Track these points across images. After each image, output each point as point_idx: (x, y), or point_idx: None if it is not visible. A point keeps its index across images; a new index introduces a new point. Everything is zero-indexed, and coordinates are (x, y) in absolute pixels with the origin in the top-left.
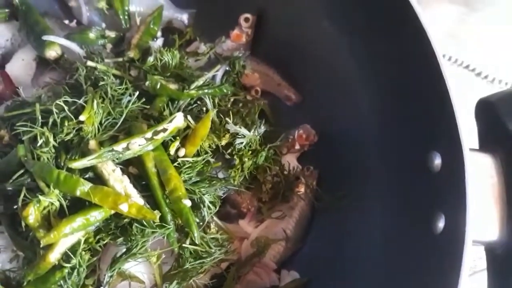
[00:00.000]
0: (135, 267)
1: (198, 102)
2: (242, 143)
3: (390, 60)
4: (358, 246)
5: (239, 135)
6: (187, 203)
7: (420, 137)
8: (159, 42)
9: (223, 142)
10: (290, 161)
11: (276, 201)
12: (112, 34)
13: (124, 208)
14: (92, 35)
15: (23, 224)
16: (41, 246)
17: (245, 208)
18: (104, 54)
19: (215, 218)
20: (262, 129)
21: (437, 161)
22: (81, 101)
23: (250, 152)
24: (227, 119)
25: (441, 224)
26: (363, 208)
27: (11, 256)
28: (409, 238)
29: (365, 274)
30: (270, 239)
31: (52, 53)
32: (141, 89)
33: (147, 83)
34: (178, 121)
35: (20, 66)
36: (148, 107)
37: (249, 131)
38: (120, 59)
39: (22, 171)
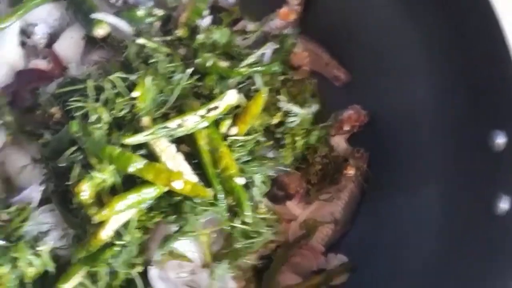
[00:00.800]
0: (184, 246)
1: (248, 80)
2: (294, 121)
3: (454, 44)
4: (409, 229)
5: (291, 113)
6: (240, 181)
7: (483, 116)
8: (207, 20)
9: (275, 121)
10: (339, 142)
11: (324, 183)
12: (159, 12)
13: (177, 185)
14: (140, 13)
15: (74, 201)
16: (92, 223)
17: (293, 189)
18: (152, 32)
19: (263, 199)
20: (314, 107)
21: (500, 140)
22: (133, 78)
23: (302, 131)
24: (279, 96)
25: (504, 205)
26: (416, 191)
27: (61, 234)
28: (467, 221)
29: (417, 258)
30: (318, 222)
31: (100, 31)
32: (190, 68)
33: (197, 60)
34: (230, 98)
35: (68, 45)
36: (199, 84)
37: (302, 109)
38: (168, 38)
39: (74, 148)
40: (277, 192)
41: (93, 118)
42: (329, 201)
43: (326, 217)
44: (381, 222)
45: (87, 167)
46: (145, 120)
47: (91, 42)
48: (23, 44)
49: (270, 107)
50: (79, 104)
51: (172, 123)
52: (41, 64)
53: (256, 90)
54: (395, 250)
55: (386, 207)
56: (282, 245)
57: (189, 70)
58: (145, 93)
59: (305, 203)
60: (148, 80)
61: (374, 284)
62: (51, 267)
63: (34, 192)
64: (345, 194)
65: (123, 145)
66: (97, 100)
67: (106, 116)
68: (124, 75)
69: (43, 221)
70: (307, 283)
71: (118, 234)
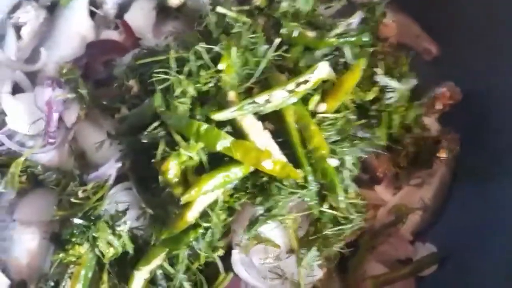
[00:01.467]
0: (270, 230)
1: (335, 52)
2: (391, 98)
3: None
4: (505, 220)
5: (389, 88)
6: (333, 162)
7: None
8: None
9: (370, 97)
10: (430, 122)
11: (415, 167)
12: None
13: (267, 165)
14: None
15: (160, 180)
16: (180, 203)
17: (381, 173)
18: (229, 1)
19: (351, 183)
20: (413, 82)
21: None
22: (217, 48)
23: (400, 108)
24: (376, 69)
25: None
26: None
27: (138, 214)
28: None
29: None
30: (410, 208)
31: (175, 0)
32: (271, 40)
33: (283, 30)
34: (322, 71)
35: (140, 15)
36: (286, 55)
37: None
38: (247, 7)
39: (156, 123)
40: (361, 174)
41: (177, 91)
42: (419, 186)
43: (415, 203)
44: (474, 209)
45: (170, 145)
46: (231, 95)
47: (164, 13)
48: (92, 15)
49: (363, 82)
50: (162, 76)
51: (260, 98)
52: (113, 35)
53: (345, 64)
54: (489, 240)
55: (480, 194)
56: (367, 232)
57: (277, 40)
58: (230, 65)
59: (393, 187)
60: (234, 51)
61: (464, 277)
62: (130, 248)
63: (110, 169)
64: (436, 179)
65: (208, 121)
66: (179, 72)
67: (191, 90)
68: (208, 46)
69: (120, 200)
70: (395, 274)
71: (203, 216)
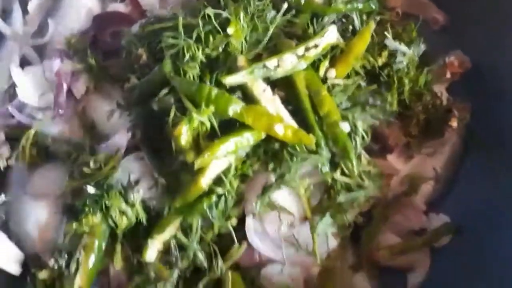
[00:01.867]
0: (283, 199)
1: (343, 20)
2: (402, 62)
3: None
4: None
5: (399, 53)
6: (345, 127)
7: None
8: None
9: (380, 62)
10: (440, 91)
11: (426, 136)
12: None
13: (279, 130)
14: None
15: (174, 146)
16: (194, 169)
17: (392, 142)
18: None
19: (363, 151)
20: (422, 48)
21: None
22: (226, 13)
23: (410, 74)
24: (386, 33)
25: None
26: None
27: (150, 184)
28: None
29: None
30: (423, 177)
31: None
32: (279, 7)
33: None
34: (331, 36)
35: None
36: (295, 21)
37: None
38: None
39: (166, 89)
40: (373, 144)
41: (187, 56)
42: (431, 156)
43: (428, 173)
44: (487, 179)
45: (181, 110)
46: (241, 60)
47: None
48: None
49: (373, 48)
50: (171, 41)
51: (270, 63)
52: (119, 7)
53: (353, 31)
54: (501, 211)
55: (493, 163)
56: (381, 202)
57: (285, 6)
58: (239, 30)
59: (405, 157)
60: (241, 16)
61: (478, 247)
62: (144, 218)
63: (121, 139)
64: (448, 148)
65: (219, 87)
66: (189, 38)
67: (200, 54)
68: (217, 10)
69: (131, 170)
70: (409, 244)
71: (215, 183)
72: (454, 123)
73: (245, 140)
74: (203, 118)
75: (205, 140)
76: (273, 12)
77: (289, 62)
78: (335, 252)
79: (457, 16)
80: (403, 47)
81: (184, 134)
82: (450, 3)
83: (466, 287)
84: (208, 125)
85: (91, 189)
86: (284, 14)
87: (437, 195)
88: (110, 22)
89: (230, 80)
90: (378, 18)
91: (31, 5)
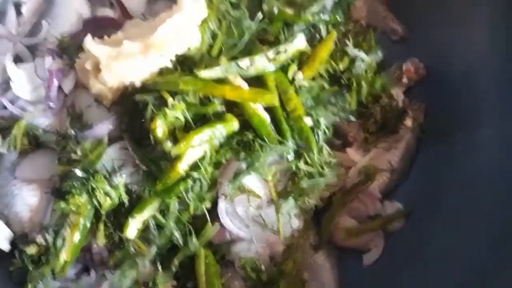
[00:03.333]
0: (253, 182)
1: (311, 29)
2: (360, 67)
3: None
4: (465, 175)
5: (358, 59)
6: (308, 122)
7: None
8: None
9: (341, 66)
10: (397, 94)
11: (382, 133)
12: None
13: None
14: None
15: (151, 138)
16: (171, 156)
17: (352, 137)
18: None
19: (325, 145)
20: (379, 55)
21: None
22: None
23: (367, 77)
24: (347, 41)
25: None
26: (474, 141)
27: (132, 171)
28: None
29: (472, 210)
30: (377, 168)
31: None
32: (254, 16)
33: (263, 6)
34: (300, 42)
35: None
36: (268, 29)
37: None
38: None
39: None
40: (333, 139)
41: None
42: (387, 150)
43: (383, 165)
44: (437, 171)
45: (160, 106)
46: (223, 60)
47: None
48: None
49: (336, 54)
50: None
51: (243, 62)
52: (108, 12)
53: (320, 39)
54: (449, 199)
55: (442, 157)
56: (340, 190)
57: (260, 15)
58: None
59: (363, 150)
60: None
61: (426, 231)
62: (126, 199)
63: (103, 128)
64: (402, 144)
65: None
66: None
67: None
68: None
69: (116, 157)
70: (365, 227)
71: (192, 169)
72: (408, 122)
73: (218, 131)
74: (177, 113)
75: (182, 132)
76: (248, 20)
77: (260, 63)
78: (298, 232)
79: (413, 27)
80: (362, 54)
81: (159, 127)
82: (408, 16)
83: (414, 267)
84: (182, 119)
85: (78, 172)
86: (258, 23)
87: (392, 185)
88: (99, 26)
89: (205, 73)
90: (343, 29)
91: (25, 7)
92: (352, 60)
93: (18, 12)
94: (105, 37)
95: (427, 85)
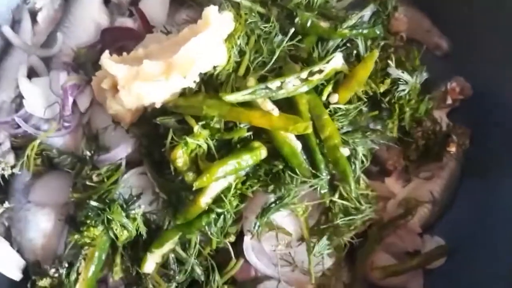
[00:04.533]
0: (282, 218)
1: (347, 44)
2: (404, 90)
3: None
4: None
5: (401, 81)
6: (345, 152)
7: None
8: None
9: (382, 89)
10: (441, 117)
11: (424, 160)
12: None
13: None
14: None
15: (171, 167)
16: (193, 189)
17: (391, 165)
18: None
19: (362, 175)
20: (424, 76)
21: None
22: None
23: (411, 101)
24: (389, 61)
25: None
26: None
27: (151, 199)
28: None
29: None
30: (419, 201)
31: None
32: (285, 30)
33: (296, 20)
34: (337, 62)
35: (154, 3)
36: (300, 45)
37: (411, 77)
38: None
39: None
40: (371, 167)
41: None
42: (429, 180)
43: (424, 197)
44: (482, 204)
45: (182, 132)
46: (251, 80)
47: (178, 1)
48: (107, 2)
49: (375, 74)
50: None
51: (273, 84)
52: (127, 22)
53: (357, 55)
54: (494, 235)
55: (488, 189)
56: (376, 223)
57: (292, 30)
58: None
59: (403, 180)
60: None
61: (471, 270)
62: (144, 231)
63: (121, 152)
64: (446, 173)
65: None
66: None
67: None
68: None
69: (134, 184)
70: (403, 266)
71: (215, 202)
72: (452, 148)
73: (244, 162)
74: (199, 141)
75: (205, 161)
76: (280, 36)
77: (291, 85)
78: (330, 271)
79: (460, 43)
80: (405, 76)
81: (180, 158)
82: (453, 30)
83: None
84: (205, 147)
85: (93, 203)
86: (290, 38)
87: (434, 218)
88: (118, 37)
89: (230, 98)
90: (382, 43)
91: (40, 15)
92: (394, 82)
93: (34, 21)
94: (124, 54)
95: (474, 108)
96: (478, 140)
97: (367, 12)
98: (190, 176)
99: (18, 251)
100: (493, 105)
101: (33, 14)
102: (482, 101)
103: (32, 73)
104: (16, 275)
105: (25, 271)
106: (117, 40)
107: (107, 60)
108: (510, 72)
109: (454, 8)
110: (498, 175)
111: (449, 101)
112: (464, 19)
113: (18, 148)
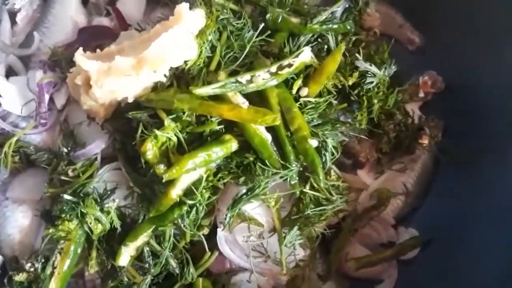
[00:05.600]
0: (253, 210)
1: (319, 39)
2: (372, 82)
3: None
4: (492, 207)
5: (369, 73)
6: (313, 143)
7: None
8: None
9: (350, 82)
10: (413, 110)
11: (397, 153)
12: None
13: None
14: None
15: (142, 161)
16: (163, 181)
17: (363, 157)
18: None
19: (333, 166)
20: (393, 69)
21: None
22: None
23: (379, 94)
24: (357, 55)
25: None
26: (502, 164)
27: (126, 193)
28: None
29: (499, 241)
30: (391, 192)
31: None
32: (257, 26)
33: (267, 16)
34: (305, 56)
35: (131, 2)
36: (271, 40)
37: (379, 70)
38: None
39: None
40: (344, 159)
41: None
42: (401, 172)
43: (397, 188)
44: (457, 195)
45: (152, 126)
46: (222, 74)
47: (154, 0)
48: (85, 2)
49: (346, 67)
50: None
51: (242, 78)
52: (104, 21)
53: (328, 50)
54: (471, 226)
55: (463, 180)
56: (350, 215)
57: (261, 26)
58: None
59: (375, 172)
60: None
61: (444, 261)
62: (118, 225)
63: (96, 148)
64: (418, 165)
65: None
66: None
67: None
68: None
69: (108, 179)
70: (377, 256)
71: (187, 194)
72: (425, 141)
73: (214, 154)
74: (169, 134)
75: (176, 153)
76: (251, 31)
77: (261, 79)
78: (304, 262)
79: (432, 37)
80: (373, 68)
81: (150, 150)
82: (425, 25)
83: None
84: (175, 140)
85: (67, 197)
86: (261, 34)
87: (407, 210)
88: (95, 36)
89: (200, 91)
90: (353, 38)
91: (19, 16)
92: (363, 75)
93: (13, 21)
94: (98, 50)
95: (446, 101)
96: (452, 133)
97: (338, 8)
98: (161, 169)
99: None
100: (466, 98)
101: (12, 15)
102: (455, 94)
103: (11, 72)
104: None
105: (3, 267)
106: (94, 39)
107: (80, 56)
108: (481, 65)
109: (426, 3)
110: (471, 167)
111: (421, 94)
112: (436, 14)
113: None
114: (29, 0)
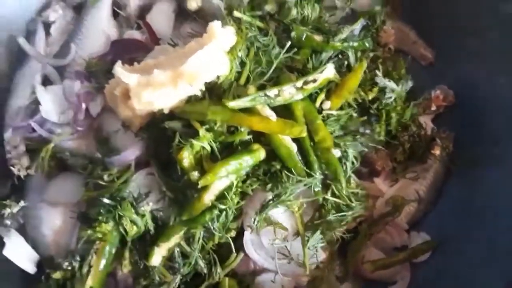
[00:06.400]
0: (278, 215)
1: (339, 56)
2: (390, 97)
3: None
4: (497, 212)
5: (387, 89)
6: (336, 153)
7: None
8: None
9: (370, 96)
10: (426, 122)
11: (410, 162)
12: None
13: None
14: None
15: (178, 168)
16: (198, 187)
17: (380, 166)
18: (242, 6)
19: (352, 174)
20: (409, 84)
21: None
22: None
23: (397, 108)
24: (377, 71)
25: None
26: (507, 171)
27: (158, 197)
28: None
29: (502, 239)
30: (405, 199)
31: (193, 4)
32: (282, 42)
33: (292, 34)
34: (329, 72)
35: (160, 17)
36: (296, 57)
37: (397, 86)
38: (259, 13)
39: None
40: (361, 168)
41: None
42: (414, 180)
43: (410, 195)
44: (465, 201)
45: (187, 135)
46: (252, 88)
47: (183, 15)
48: (115, 15)
49: (366, 82)
50: None
51: (271, 92)
52: (136, 34)
53: (348, 66)
54: (476, 230)
55: (470, 186)
56: (367, 220)
57: (288, 43)
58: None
59: (391, 180)
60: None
61: (454, 263)
62: (151, 227)
63: (131, 155)
64: (430, 174)
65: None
66: None
67: None
68: None
69: (142, 184)
70: (392, 259)
71: (218, 199)
72: (437, 151)
73: (244, 162)
74: (204, 143)
75: (209, 161)
76: (277, 48)
77: (288, 93)
78: (324, 264)
79: (444, 53)
80: (392, 84)
81: (186, 158)
82: (437, 41)
83: None
84: (209, 149)
85: (106, 201)
86: (286, 51)
87: (419, 216)
88: (126, 48)
89: (232, 104)
90: (371, 54)
91: (53, 27)
92: (382, 90)
93: (47, 32)
94: (135, 63)
95: (457, 113)
96: (462, 143)
97: (357, 26)
98: (195, 175)
99: (32, 246)
100: (475, 110)
101: (47, 26)
102: (465, 107)
103: (46, 81)
104: (31, 268)
105: (39, 265)
106: (126, 51)
107: (120, 69)
108: (490, 79)
109: (438, 22)
110: (480, 175)
111: (433, 107)
112: (447, 31)
113: (32, 151)
114: (63, 13)
